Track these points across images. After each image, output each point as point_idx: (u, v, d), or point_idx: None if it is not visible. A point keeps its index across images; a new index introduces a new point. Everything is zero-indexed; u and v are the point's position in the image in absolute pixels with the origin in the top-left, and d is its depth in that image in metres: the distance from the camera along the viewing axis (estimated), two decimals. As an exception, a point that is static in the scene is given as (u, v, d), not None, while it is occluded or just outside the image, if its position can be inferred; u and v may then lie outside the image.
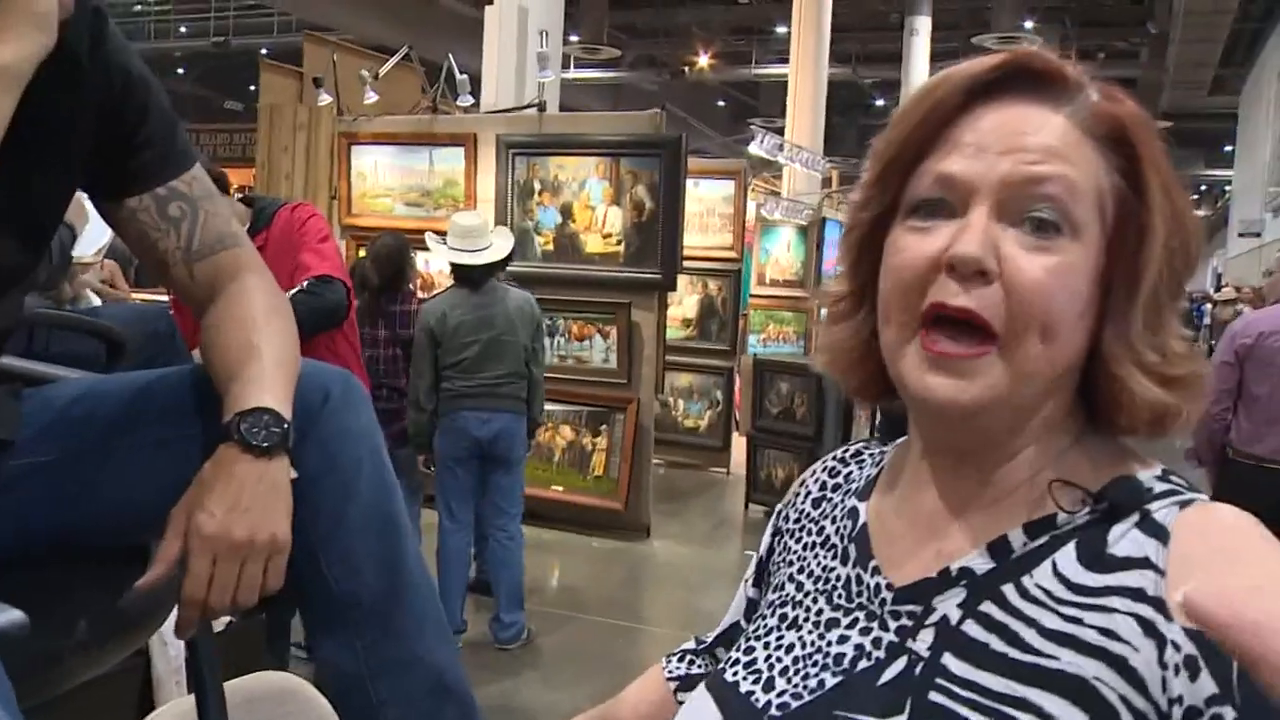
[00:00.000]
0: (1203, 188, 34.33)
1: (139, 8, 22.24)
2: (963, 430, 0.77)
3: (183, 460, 1.14)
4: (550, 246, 6.58)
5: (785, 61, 15.24)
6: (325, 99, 7.09)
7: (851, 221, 0.83)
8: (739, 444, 8.28)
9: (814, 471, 0.97)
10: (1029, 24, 18.75)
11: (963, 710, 0.69)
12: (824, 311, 0.87)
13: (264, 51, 18.61)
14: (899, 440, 0.89)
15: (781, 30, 18.81)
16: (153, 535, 1.18)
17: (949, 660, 0.72)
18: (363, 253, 6.66)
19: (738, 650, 0.86)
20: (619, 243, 6.43)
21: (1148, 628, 0.66)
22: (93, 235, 2.65)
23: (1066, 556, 0.72)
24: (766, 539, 0.97)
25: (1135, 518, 0.72)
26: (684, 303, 8.47)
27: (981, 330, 0.71)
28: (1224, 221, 26.02)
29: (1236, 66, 23.06)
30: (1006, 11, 17.84)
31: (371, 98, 7.06)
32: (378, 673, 1.19)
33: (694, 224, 8.10)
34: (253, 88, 7.72)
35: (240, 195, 3.74)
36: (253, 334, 1.20)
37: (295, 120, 7.25)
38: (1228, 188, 28.95)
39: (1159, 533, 0.70)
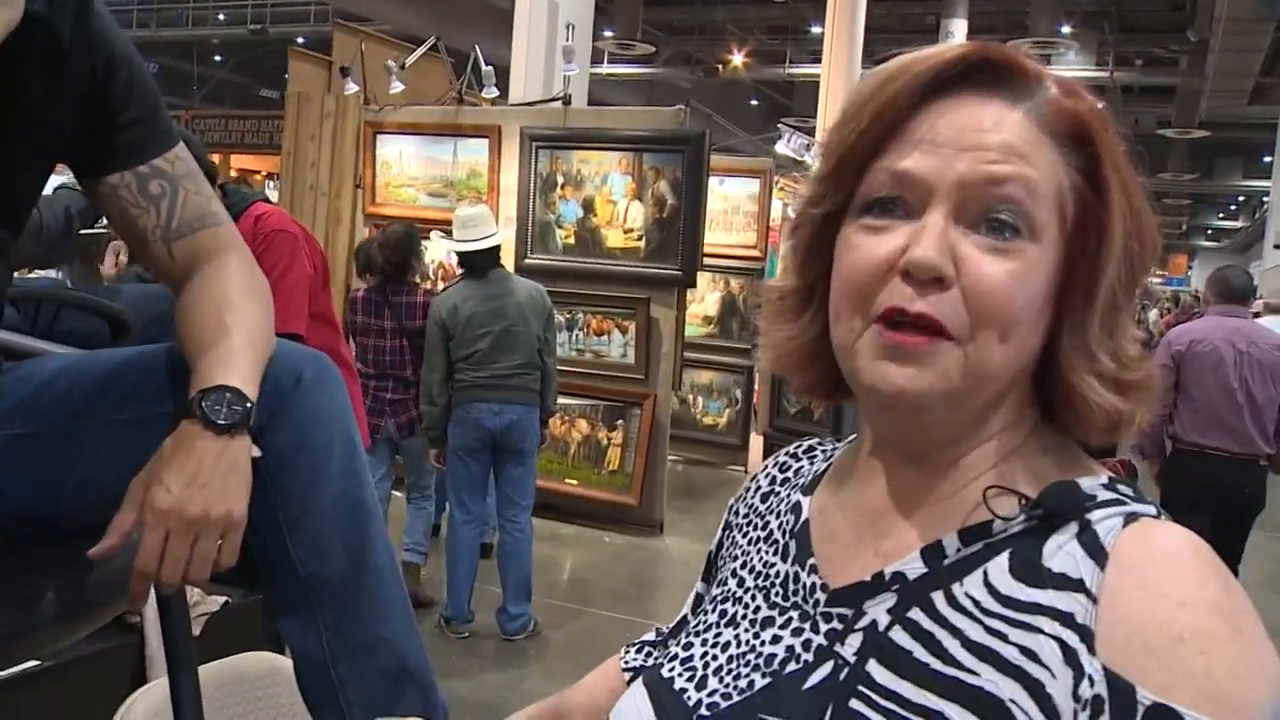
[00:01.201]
0: (1240, 199, 33.93)
1: (177, -6, 22.43)
2: (911, 424, 0.75)
3: (155, 439, 1.15)
4: (571, 240, 6.59)
5: (819, 61, 15.17)
6: (352, 88, 7.13)
7: (800, 217, 0.81)
8: (757, 443, 8.27)
9: (765, 466, 0.96)
10: (1066, 29, 18.59)
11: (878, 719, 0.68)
12: (763, 308, 0.85)
13: (300, 40, 18.76)
14: (850, 437, 0.88)
15: (816, 30, 18.72)
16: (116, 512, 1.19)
17: (874, 667, 0.71)
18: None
19: (678, 645, 0.85)
20: (640, 238, 6.43)
21: (1069, 656, 0.65)
22: None
23: (999, 566, 0.71)
24: (718, 533, 0.97)
25: (1074, 528, 0.70)
26: (705, 300, 8.46)
27: (939, 330, 0.70)
28: (1261, 234, 25.71)
29: (1278, 76, 22.76)
30: (1044, 16, 17.69)
31: (397, 87, 7.09)
32: (339, 655, 1.19)
33: (718, 222, 8.09)
34: (288, 76, 7.76)
35: (220, 184, 3.62)
36: (225, 313, 1.21)
37: (322, 109, 7.29)
38: (1266, 199, 28.61)
39: (1097, 553, 0.68)
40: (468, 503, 4.54)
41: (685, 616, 0.97)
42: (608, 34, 18.57)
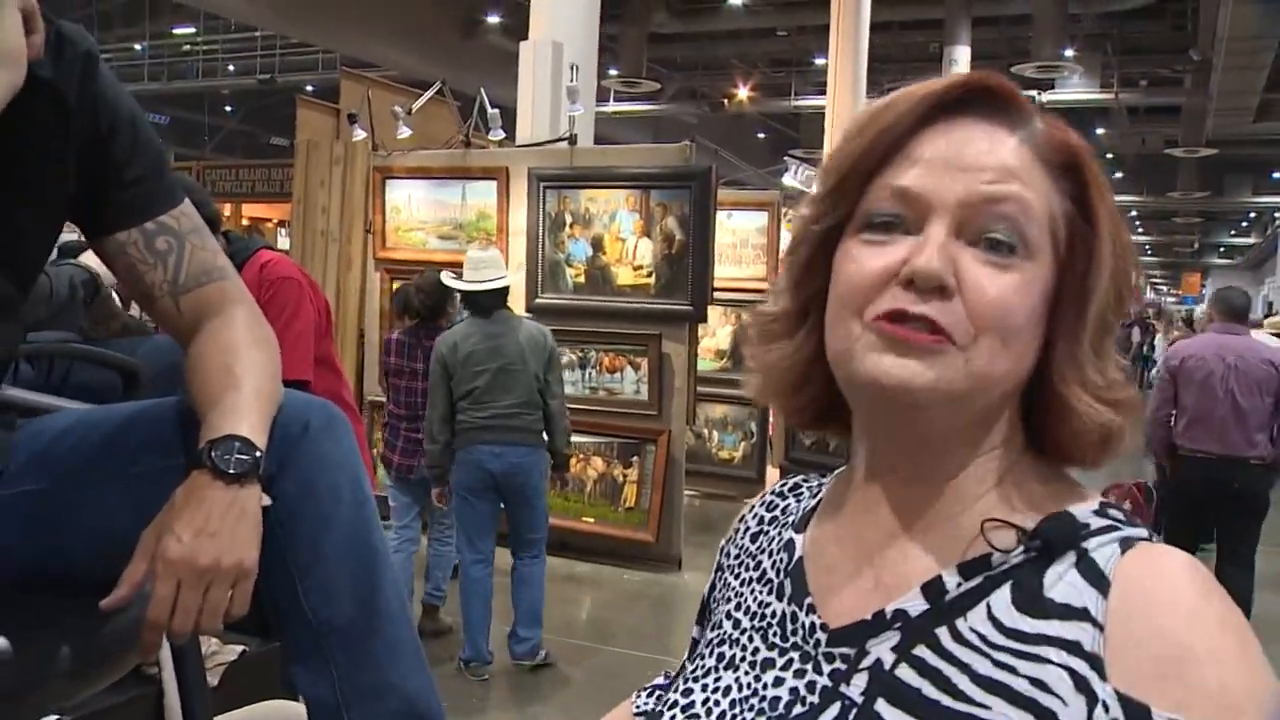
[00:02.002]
0: (1251, 215, 33.86)
1: (187, 48, 22.72)
2: (909, 427, 0.75)
3: (166, 491, 1.16)
4: (581, 279, 6.62)
5: (824, 93, 15.26)
6: (360, 134, 7.20)
7: (799, 236, 0.81)
8: (773, 475, 8.24)
9: (753, 506, 0.96)
10: (1069, 52, 18.65)
11: None
12: (752, 332, 0.85)
13: (309, 88, 18.97)
14: (838, 471, 0.88)
15: (820, 62, 18.82)
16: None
17: (882, 706, 0.71)
18: (396, 285, 6.77)
19: (676, 692, 0.84)
20: (649, 274, 6.45)
21: (1080, 683, 0.66)
22: None
23: (1001, 599, 0.71)
24: (710, 575, 0.96)
25: (1072, 557, 0.71)
26: (717, 334, 8.46)
27: (942, 333, 0.71)
28: (1273, 249, 25.65)
29: (1283, 93, 22.77)
30: (1047, 40, 17.76)
31: (405, 132, 7.15)
32: (352, 701, 1.20)
33: (727, 255, 8.11)
34: (297, 123, 7.85)
35: (223, 231, 3.61)
36: (233, 363, 1.23)
37: (331, 155, 7.36)
38: (1277, 215, 28.55)
39: (1099, 581, 0.69)
40: (477, 543, 4.54)
41: (684, 664, 0.96)
42: (613, 72, 18.73)
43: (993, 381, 0.73)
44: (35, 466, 1.25)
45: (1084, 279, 0.74)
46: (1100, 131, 23.05)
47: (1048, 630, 0.69)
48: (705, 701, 0.81)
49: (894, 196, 0.74)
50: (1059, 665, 0.67)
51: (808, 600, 0.80)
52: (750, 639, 0.82)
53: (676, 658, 0.92)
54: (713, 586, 0.95)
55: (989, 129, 0.74)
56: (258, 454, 1.14)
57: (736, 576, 0.90)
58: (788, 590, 0.82)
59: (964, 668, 0.70)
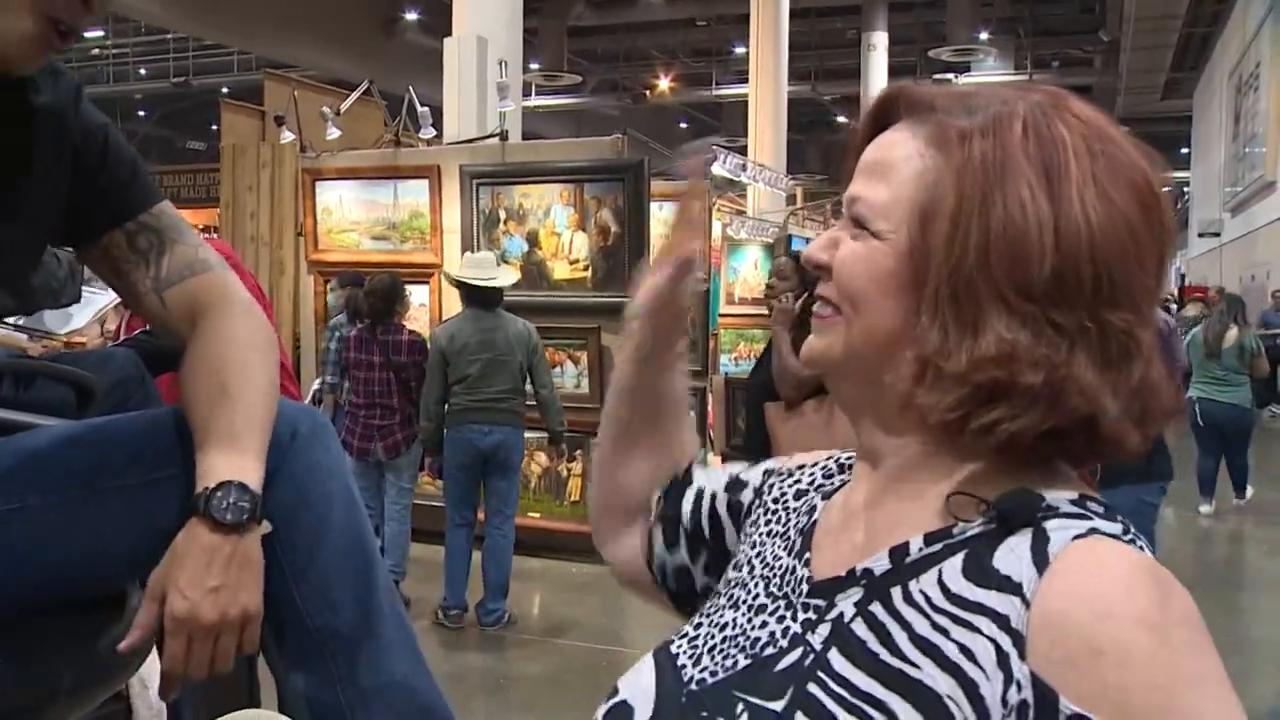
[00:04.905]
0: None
1: (97, 52, 22.19)
2: (835, 399, 0.88)
3: (160, 503, 1.16)
4: (518, 275, 6.60)
5: (745, 81, 15.36)
6: (288, 136, 7.11)
7: None
8: (715, 463, 8.29)
9: (818, 462, 0.98)
10: (984, 35, 18.99)
11: (830, 704, 0.72)
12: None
13: (225, 90, 18.63)
14: None
15: (740, 51, 18.95)
16: (127, 581, 1.20)
17: (834, 656, 0.75)
18: (329, 286, 6.71)
19: (690, 625, 0.91)
20: (586, 268, 6.46)
21: (1002, 659, 0.68)
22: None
23: (953, 565, 0.74)
24: (755, 478, 1.01)
25: (1030, 534, 0.72)
26: (654, 325, 8.48)
27: (834, 307, 0.83)
28: (1184, 223, 26.37)
29: (1188, 71, 23.41)
30: (961, 24, 18.07)
31: (334, 134, 7.08)
32: (356, 702, 1.20)
33: (660, 245, 8.13)
34: (215, 127, 7.73)
35: None
36: (227, 378, 1.22)
37: (259, 159, 7.25)
38: (1186, 189, 29.34)
39: (1041, 560, 0.70)
40: (462, 510, 5.24)
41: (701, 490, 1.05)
42: (534, 66, 18.66)
43: (860, 345, 0.81)
44: (14, 485, 1.23)
45: (927, 258, 0.77)
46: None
47: (985, 600, 0.70)
48: (706, 635, 0.87)
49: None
50: (987, 637, 0.69)
51: (807, 555, 0.86)
52: (757, 585, 0.88)
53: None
54: (753, 499, 1.00)
55: (898, 131, 0.83)
56: (255, 498, 1.14)
57: (767, 524, 0.95)
58: (796, 546, 0.88)
59: (905, 626, 0.73)
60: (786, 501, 0.96)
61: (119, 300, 2.98)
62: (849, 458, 0.95)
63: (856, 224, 0.82)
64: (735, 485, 1.02)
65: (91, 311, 2.87)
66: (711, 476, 1.05)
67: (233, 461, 1.16)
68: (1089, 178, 0.75)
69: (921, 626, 0.72)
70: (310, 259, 7.15)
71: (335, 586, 1.22)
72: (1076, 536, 0.71)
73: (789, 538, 0.90)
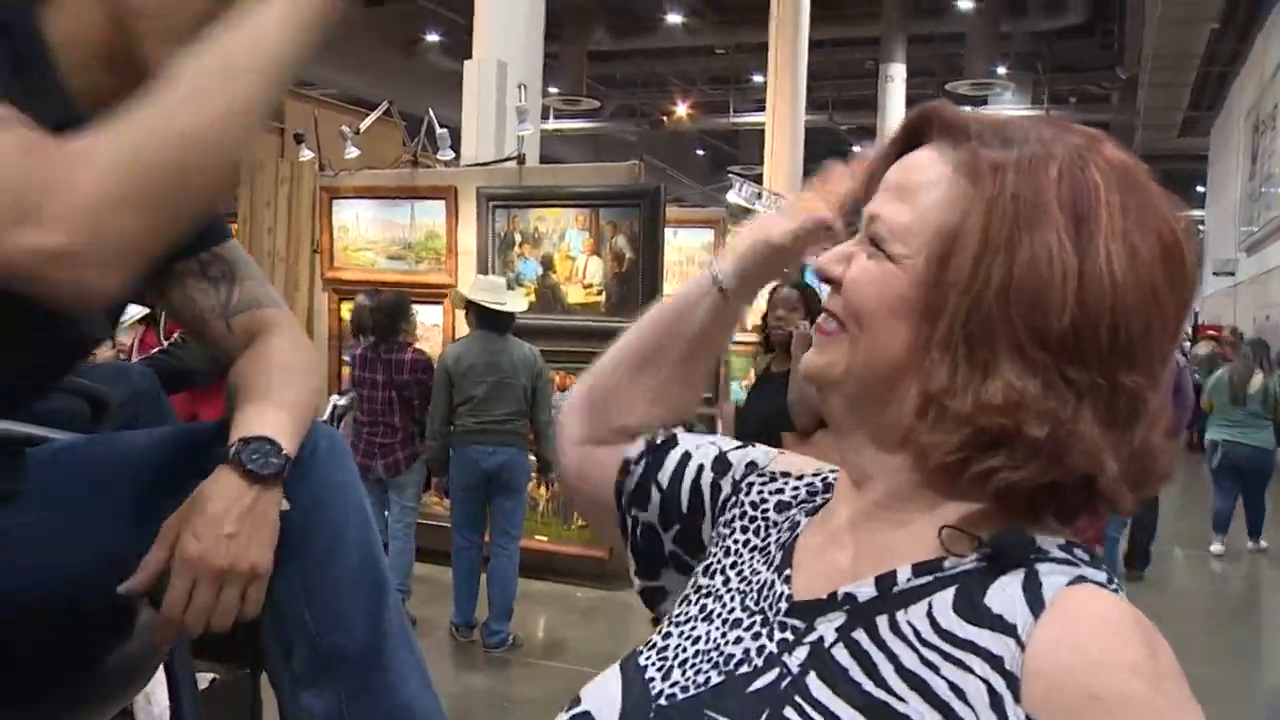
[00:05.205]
0: (1177, 228, 34.56)
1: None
2: (826, 410, 0.86)
3: (159, 522, 1.17)
4: (532, 298, 6.61)
5: (763, 110, 15.42)
6: (307, 154, 7.15)
7: None
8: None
9: (805, 476, 0.96)
10: (1001, 69, 19.04)
11: None
12: None
13: (245, 107, 18.67)
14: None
15: (758, 79, 19.02)
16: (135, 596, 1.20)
17: (812, 680, 0.74)
18: (345, 305, 6.74)
19: (658, 634, 0.88)
20: (600, 293, 6.47)
21: (995, 701, 0.68)
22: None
23: (943, 600, 0.73)
24: (739, 467, 0.98)
25: (1021, 575, 0.72)
26: (666, 350, 8.48)
27: (841, 322, 0.82)
28: (1199, 261, 26.29)
29: (1205, 109, 23.42)
30: (979, 58, 18.14)
31: (353, 153, 7.12)
32: None
33: (674, 272, 8.14)
34: (235, 143, 7.76)
35: None
36: (274, 374, 1.27)
37: (277, 175, 7.30)
38: (1201, 228, 29.29)
39: (1036, 603, 0.70)
40: (467, 532, 5.25)
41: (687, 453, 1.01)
42: (553, 90, 18.76)
43: (862, 366, 0.80)
44: (27, 499, 1.24)
45: (941, 292, 0.76)
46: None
47: (977, 639, 0.70)
48: (676, 647, 0.85)
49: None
50: (979, 677, 0.69)
51: (787, 572, 0.84)
52: (733, 598, 0.86)
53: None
54: (736, 486, 0.97)
55: (928, 152, 0.82)
56: (285, 457, 1.17)
57: (744, 534, 0.92)
58: (776, 561, 0.87)
59: (892, 657, 0.72)
60: (768, 512, 0.93)
61: (137, 317, 3.02)
62: (834, 474, 0.94)
63: (874, 243, 0.81)
64: (720, 464, 0.99)
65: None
66: (700, 447, 1.01)
67: (269, 420, 1.19)
68: (1118, 230, 0.74)
69: (909, 660, 0.72)
70: (326, 276, 7.18)
71: (347, 605, 1.22)
72: (1070, 582, 0.71)
73: (769, 553, 0.89)
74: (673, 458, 1.00)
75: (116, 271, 0.95)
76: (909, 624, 0.73)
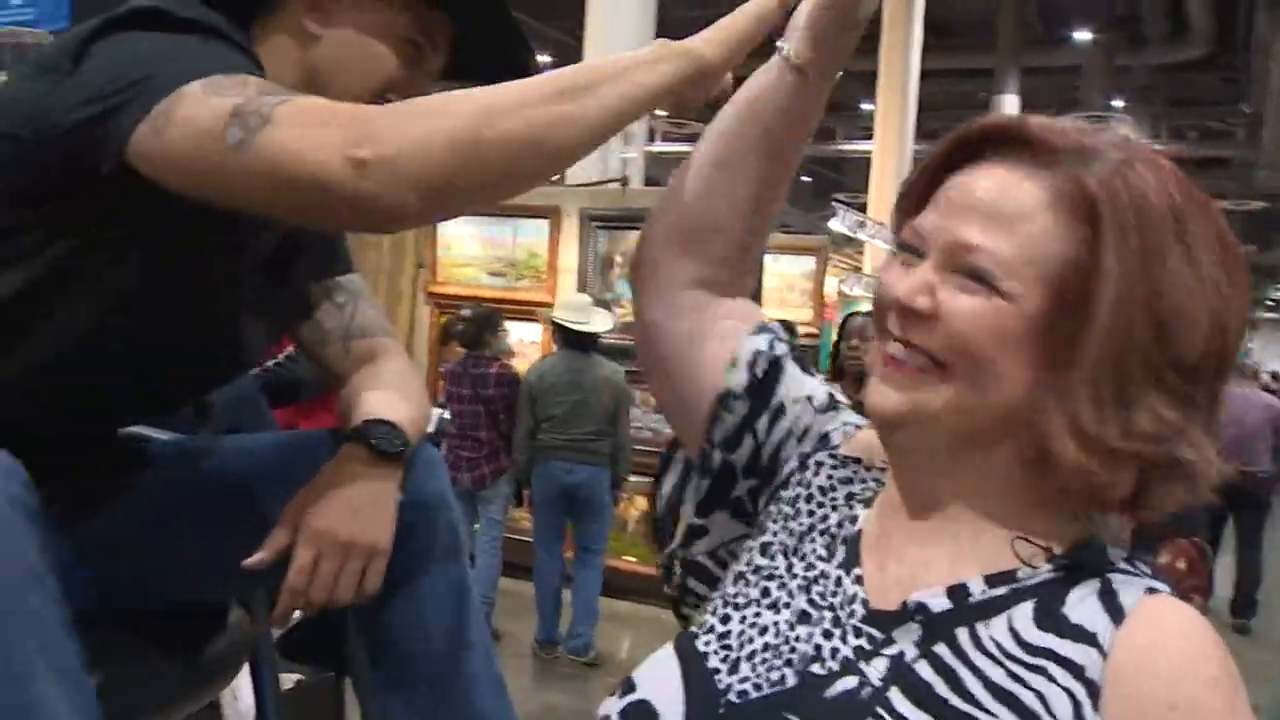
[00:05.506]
0: (1300, 271, 33.44)
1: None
2: (893, 443, 0.82)
3: (254, 527, 1.21)
4: (630, 318, 6.63)
5: (870, 137, 15.30)
6: (416, 171, 7.29)
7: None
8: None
9: (874, 469, 0.93)
10: (1118, 102, 18.61)
11: None
12: None
13: (360, 122, 19.13)
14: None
15: (867, 107, 18.88)
16: (225, 595, 1.24)
17: (894, 695, 0.74)
18: (446, 319, 6.85)
19: (714, 615, 0.86)
20: (698, 316, 6.46)
21: (1077, 709, 0.70)
22: None
23: (1023, 613, 0.75)
24: (811, 436, 0.94)
25: (1096, 585, 0.74)
26: (763, 376, 8.45)
27: (929, 358, 0.77)
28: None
29: (1335, 148, 22.55)
30: (1095, 91, 17.74)
31: (460, 170, 7.23)
32: None
33: (773, 298, 8.13)
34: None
35: None
36: (392, 382, 1.34)
37: (386, 191, 7.45)
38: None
39: (1116, 612, 0.73)
40: (550, 546, 5.39)
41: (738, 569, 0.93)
42: (660, 112, 18.83)
43: (973, 406, 0.77)
44: (139, 497, 1.29)
45: (1079, 325, 0.74)
46: (1148, 182, 22.88)
47: (1059, 649, 0.72)
48: (740, 635, 0.84)
49: (911, 232, 0.81)
50: (1062, 687, 0.71)
51: (856, 571, 0.83)
52: (798, 587, 0.85)
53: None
54: (804, 462, 0.93)
55: (1010, 172, 0.78)
56: (408, 443, 1.22)
57: (810, 515, 0.90)
58: (840, 556, 0.85)
59: (978, 672, 0.73)
60: (836, 500, 0.91)
61: None
62: (865, 463, 0.93)
63: (971, 275, 0.77)
64: (804, 433, 0.95)
65: None
66: (796, 402, 0.95)
67: (390, 407, 1.26)
68: (1209, 242, 0.76)
69: (996, 675, 0.72)
70: (429, 290, 7.31)
71: (431, 615, 1.26)
72: (1147, 593, 0.74)
73: (829, 542, 0.87)
74: (773, 405, 0.94)
75: (419, 203, 0.96)
76: (991, 638, 0.74)
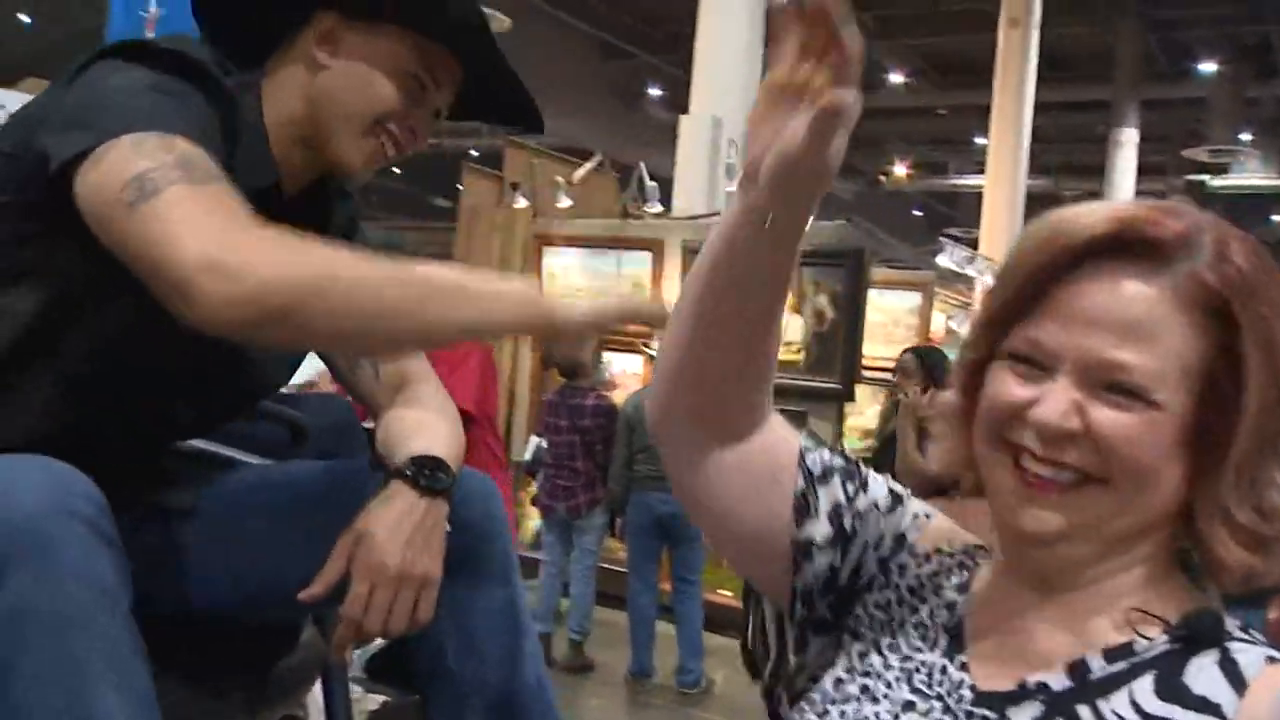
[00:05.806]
0: None
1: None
2: (1041, 556, 0.81)
3: (326, 549, 1.24)
4: (730, 350, 6.62)
5: (983, 172, 15.07)
6: (522, 203, 7.42)
7: (960, 355, 0.88)
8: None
9: (950, 551, 0.94)
10: (1246, 135, 18.02)
11: None
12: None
13: (472, 152, 19.59)
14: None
15: (980, 141, 18.62)
16: (299, 614, 1.27)
17: None
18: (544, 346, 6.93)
19: (814, 710, 0.87)
20: (799, 351, 6.43)
21: None
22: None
23: (1144, 686, 0.75)
24: (888, 539, 0.94)
25: (1215, 655, 0.74)
26: (865, 413, 8.36)
27: (1076, 471, 0.77)
28: None
29: None
30: (1220, 123, 17.21)
31: (565, 202, 7.34)
32: None
33: (877, 334, 8.03)
34: (459, 186, 8.15)
35: None
36: (426, 419, 1.36)
37: (494, 221, 7.59)
38: None
39: (1238, 682, 0.72)
40: (644, 574, 5.41)
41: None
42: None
43: (1136, 513, 0.77)
44: (219, 515, 1.33)
45: (1226, 424, 0.76)
46: (1277, 219, 22.12)
47: (1181, 719, 0.72)
48: None
49: (1029, 345, 0.79)
50: None
51: (960, 658, 0.84)
52: (897, 679, 0.86)
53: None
54: (883, 564, 0.93)
55: (1130, 275, 0.77)
56: (453, 477, 1.25)
57: (900, 609, 0.91)
58: (942, 644, 0.86)
59: None
60: (924, 593, 0.91)
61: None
62: (980, 550, 0.93)
63: (1121, 391, 0.76)
64: (880, 543, 0.94)
65: (313, 367, 3.11)
66: (866, 515, 0.94)
67: (432, 444, 1.28)
68: None
69: None
70: (532, 320, 7.39)
71: (486, 642, 1.27)
72: (1268, 661, 0.74)
73: (927, 631, 0.88)
74: (848, 534, 0.93)
75: (244, 319, 1.02)
76: (1114, 712, 0.74)
